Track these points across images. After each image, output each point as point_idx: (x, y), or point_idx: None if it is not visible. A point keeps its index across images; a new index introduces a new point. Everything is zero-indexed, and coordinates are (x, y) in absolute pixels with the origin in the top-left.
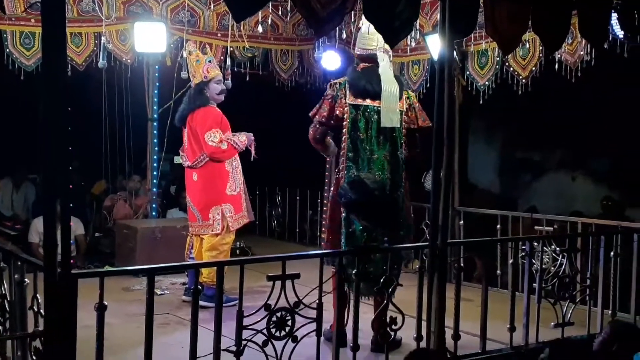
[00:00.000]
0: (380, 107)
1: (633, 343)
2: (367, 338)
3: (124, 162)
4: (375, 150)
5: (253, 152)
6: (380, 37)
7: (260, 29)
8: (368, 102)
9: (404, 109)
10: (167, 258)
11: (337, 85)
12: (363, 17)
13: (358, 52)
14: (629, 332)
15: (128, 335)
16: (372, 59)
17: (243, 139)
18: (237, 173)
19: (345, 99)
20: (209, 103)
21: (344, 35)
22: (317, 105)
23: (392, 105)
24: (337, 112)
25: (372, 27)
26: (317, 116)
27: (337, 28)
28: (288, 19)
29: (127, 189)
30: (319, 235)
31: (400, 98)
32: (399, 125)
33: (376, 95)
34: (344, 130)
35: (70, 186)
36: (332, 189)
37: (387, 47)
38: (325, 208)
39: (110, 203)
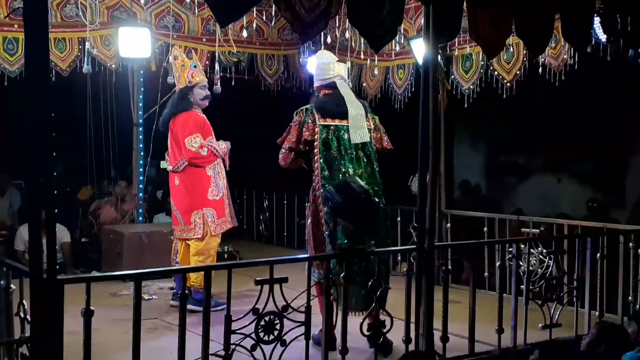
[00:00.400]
0: (347, 125)
1: (620, 343)
2: (356, 341)
3: (110, 167)
4: (350, 167)
5: (227, 161)
6: (337, 66)
7: (245, 33)
8: (337, 122)
9: (372, 126)
10: (154, 263)
11: (304, 112)
12: (318, 54)
13: (317, 84)
14: (615, 332)
15: (115, 341)
16: (332, 87)
17: (223, 146)
18: (220, 179)
19: (314, 122)
20: (192, 108)
21: (329, 40)
22: (285, 133)
23: (360, 123)
24: (306, 135)
25: (327, 57)
26: (285, 142)
27: (322, 33)
28: (273, 23)
29: (114, 194)
30: (306, 239)
31: (367, 117)
32: (369, 140)
33: (343, 115)
34: (315, 151)
35: (55, 192)
36: (310, 208)
37: (343, 74)
38: (307, 228)
39: (96, 207)
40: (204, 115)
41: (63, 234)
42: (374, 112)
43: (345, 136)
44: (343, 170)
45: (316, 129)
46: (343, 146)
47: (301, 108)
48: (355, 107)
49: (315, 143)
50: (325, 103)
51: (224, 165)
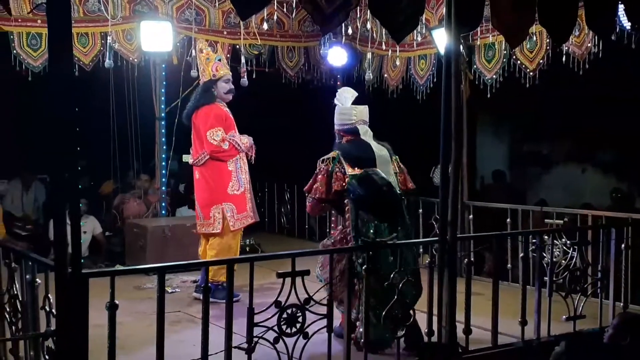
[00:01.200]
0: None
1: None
2: None
3: (133, 161)
4: None
5: (253, 154)
6: (358, 110)
7: (265, 26)
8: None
9: (397, 169)
10: (177, 256)
11: (330, 160)
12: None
13: (338, 128)
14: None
15: (140, 334)
16: (354, 133)
17: (245, 140)
18: (242, 173)
19: (343, 172)
20: (215, 101)
21: (350, 31)
22: (311, 181)
23: (387, 169)
24: (335, 186)
25: (348, 101)
26: (313, 192)
27: (343, 24)
28: (293, 15)
29: (137, 188)
30: (327, 231)
31: (391, 161)
32: (398, 187)
33: (371, 161)
34: (346, 201)
35: (79, 186)
36: (335, 235)
37: (365, 118)
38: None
39: (120, 202)
40: (227, 109)
41: (95, 224)
42: (395, 105)
43: None
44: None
45: (346, 179)
46: None
47: (327, 156)
48: (380, 150)
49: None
50: (351, 151)
51: (247, 159)
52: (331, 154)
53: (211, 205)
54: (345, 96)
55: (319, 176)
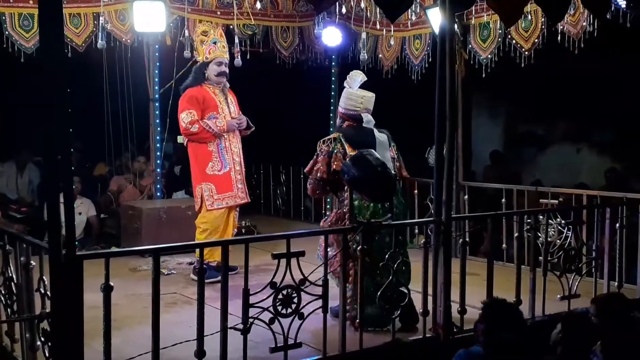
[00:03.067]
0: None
1: (583, 335)
2: None
3: (127, 143)
4: None
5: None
6: (366, 99)
7: (259, 5)
8: None
9: (394, 155)
10: (173, 238)
11: (331, 142)
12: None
13: (343, 112)
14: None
15: (135, 315)
16: (357, 120)
17: (222, 123)
18: (226, 153)
19: (343, 152)
20: (204, 83)
21: (344, 11)
22: (312, 162)
23: (386, 154)
24: (335, 165)
25: (357, 84)
26: (314, 172)
27: (337, 3)
28: None
29: (132, 170)
30: (323, 212)
31: (390, 146)
32: (394, 172)
33: (371, 145)
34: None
35: (73, 168)
36: (330, 217)
37: (369, 107)
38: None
39: (117, 186)
40: (215, 91)
41: (89, 207)
42: (390, 84)
43: None
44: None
45: (347, 160)
46: None
47: (328, 138)
48: (381, 136)
49: None
50: (354, 134)
51: (240, 136)
52: (332, 135)
53: (195, 184)
54: (355, 79)
55: (320, 157)
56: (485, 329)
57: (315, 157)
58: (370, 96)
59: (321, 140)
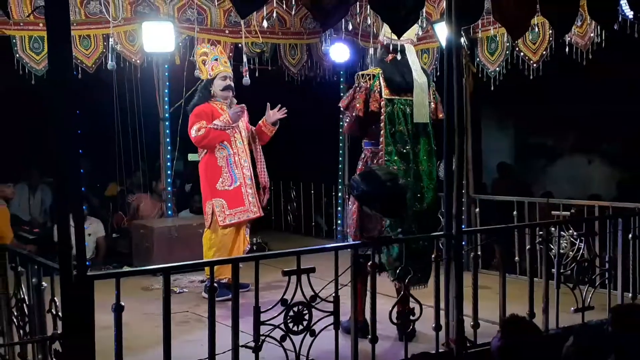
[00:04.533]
0: (412, 100)
1: (597, 347)
2: (386, 330)
3: (138, 162)
4: (412, 144)
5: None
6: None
7: (266, 24)
8: (402, 96)
9: (431, 99)
10: (184, 256)
11: (370, 78)
12: None
13: (384, 42)
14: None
15: (148, 335)
16: (399, 51)
17: (225, 116)
18: (236, 168)
19: (380, 94)
20: (210, 100)
21: (350, 27)
22: (349, 96)
23: (424, 100)
24: (372, 107)
25: None
26: (350, 109)
27: (344, 20)
28: (294, 12)
29: (155, 191)
30: (334, 228)
31: (429, 88)
32: (428, 120)
33: (409, 89)
34: (381, 125)
35: (83, 189)
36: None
37: (412, 38)
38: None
39: (137, 202)
40: (219, 107)
41: (98, 228)
42: None
43: (408, 111)
44: (408, 146)
45: (382, 102)
46: (406, 122)
47: (367, 72)
48: (421, 78)
49: (382, 117)
50: (393, 73)
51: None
52: (372, 71)
53: (205, 200)
54: None
55: (358, 94)
56: (502, 347)
57: (352, 91)
58: (414, 26)
59: (360, 74)
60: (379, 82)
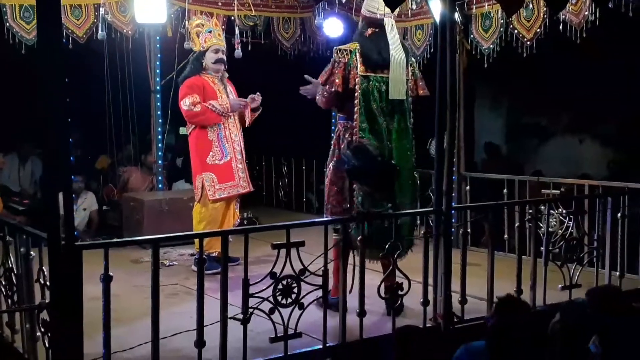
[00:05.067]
0: (388, 77)
1: (583, 325)
2: (373, 304)
3: (129, 135)
4: (387, 121)
5: (248, 118)
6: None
7: None
8: (378, 73)
9: (409, 76)
10: (175, 229)
11: (348, 53)
12: None
13: (366, 15)
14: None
15: (137, 306)
16: (379, 25)
17: (225, 102)
18: (227, 142)
19: (357, 70)
20: (202, 73)
21: (344, 0)
22: (327, 72)
23: (400, 76)
24: (351, 83)
25: None
26: (329, 84)
27: None
28: None
29: (147, 165)
30: (326, 204)
31: (407, 65)
32: (405, 97)
33: (385, 65)
34: (355, 102)
35: (72, 158)
36: (334, 157)
37: (395, 11)
38: (327, 176)
39: (127, 174)
40: (214, 80)
41: (92, 201)
42: None
43: (384, 88)
44: (382, 123)
45: (357, 79)
46: (381, 99)
47: (345, 47)
48: (398, 54)
49: (357, 94)
50: (370, 50)
51: (246, 122)
52: (349, 46)
53: (195, 174)
54: None
55: (337, 69)
56: (495, 325)
57: (330, 66)
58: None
59: (337, 48)
60: (356, 58)
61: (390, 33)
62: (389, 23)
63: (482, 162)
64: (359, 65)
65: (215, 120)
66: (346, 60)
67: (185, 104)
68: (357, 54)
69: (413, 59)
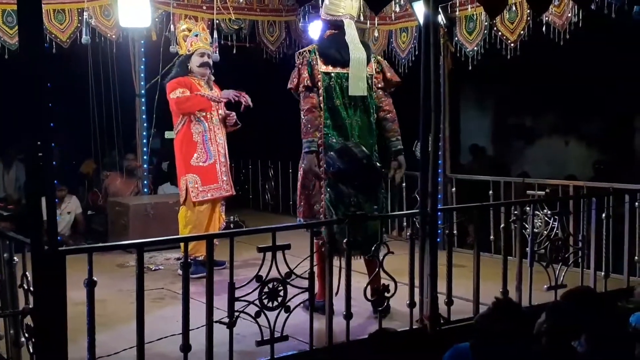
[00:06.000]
0: (349, 74)
1: (568, 324)
2: (360, 307)
3: (114, 139)
4: (349, 116)
5: (244, 102)
6: (347, 3)
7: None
8: (338, 69)
9: (373, 72)
10: (161, 233)
11: (307, 53)
12: None
13: (324, 17)
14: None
15: (122, 311)
16: (338, 26)
17: (216, 92)
18: (212, 144)
19: (317, 67)
20: (188, 75)
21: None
22: (294, 75)
23: (360, 73)
24: (315, 78)
25: None
26: (302, 85)
27: None
28: None
29: (125, 168)
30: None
31: (368, 63)
32: (365, 93)
33: (345, 63)
34: (320, 99)
35: (55, 163)
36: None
37: (352, 13)
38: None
39: (110, 181)
40: (200, 83)
41: (76, 204)
42: None
43: (345, 84)
44: (345, 119)
45: (319, 76)
46: (343, 95)
47: (304, 49)
48: (358, 53)
49: (320, 90)
50: (329, 49)
51: (224, 125)
52: (308, 47)
53: (180, 176)
54: None
55: (302, 68)
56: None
57: (295, 70)
58: (354, 2)
59: (298, 52)
60: (316, 57)
61: (348, 32)
62: (348, 23)
63: (467, 163)
64: (319, 63)
65: (205, 104)
66: (306, 59)
67: (175, 94)
68: (316, 53)
69: (380, 57)
